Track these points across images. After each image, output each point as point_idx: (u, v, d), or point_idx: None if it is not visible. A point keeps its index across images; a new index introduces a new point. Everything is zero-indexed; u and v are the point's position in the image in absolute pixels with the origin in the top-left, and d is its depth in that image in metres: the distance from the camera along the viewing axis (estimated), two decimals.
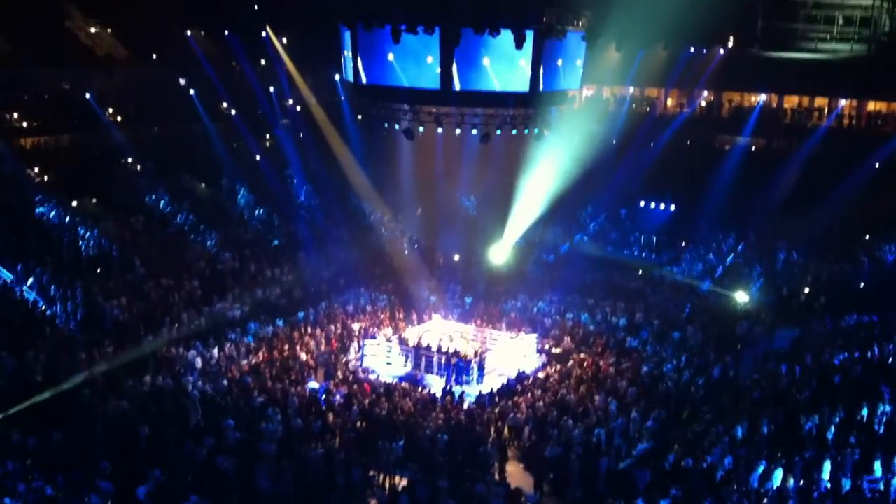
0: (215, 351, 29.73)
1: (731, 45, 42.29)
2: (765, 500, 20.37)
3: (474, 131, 33.31)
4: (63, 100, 42.16)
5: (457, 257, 41.97)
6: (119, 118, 42.98)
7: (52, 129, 41.64)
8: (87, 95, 40.90)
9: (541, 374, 30.42)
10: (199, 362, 28.70)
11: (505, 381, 29.45)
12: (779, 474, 21.33)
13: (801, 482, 20.96)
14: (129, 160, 42.04)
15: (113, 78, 43.82)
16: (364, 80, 31.82)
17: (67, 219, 36.24)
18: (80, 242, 35.32)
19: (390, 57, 30.36)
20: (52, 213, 36.30)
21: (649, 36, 35.63)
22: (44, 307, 30.43)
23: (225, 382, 27.45)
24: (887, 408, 23.52)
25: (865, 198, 37.25)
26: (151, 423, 23.49)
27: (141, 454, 22.22)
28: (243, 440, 23.25)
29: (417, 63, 30.03)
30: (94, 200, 38.25)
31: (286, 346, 31.28)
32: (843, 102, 42.59)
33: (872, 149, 39.08)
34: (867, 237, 39.03)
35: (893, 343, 28.90)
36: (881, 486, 20.04)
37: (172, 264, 35.83)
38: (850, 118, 43.35)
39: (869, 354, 28.53)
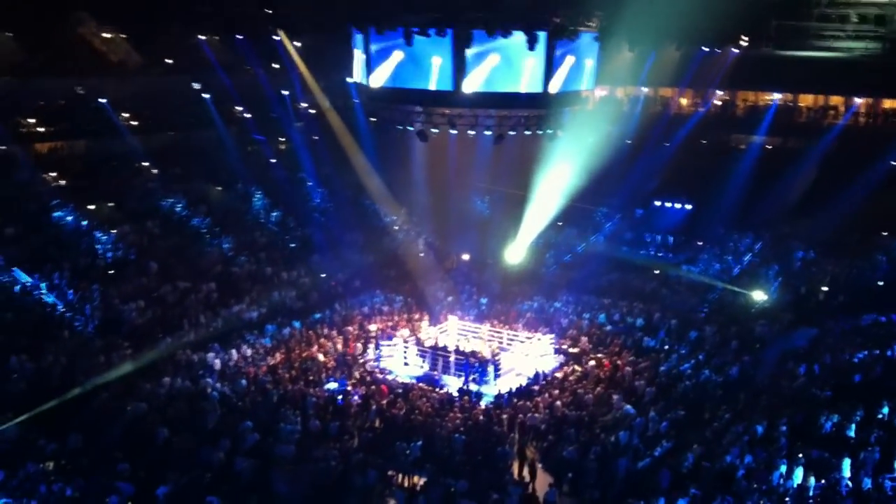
0: (233, 353, 29.86)
1: (744, 44, 41.98)
2: (786, 500, 20.26)
3: (487, 132, 33.25)
4: (78, 106, 42.27)
5: (466, 256, 41.92)
6: (134, 123, 43.10)
7: (68, 135, 41.77)
8: (102, 101, 41.07)
9: (558, 374, 30.31)
10: (217, 364, 28.81)
11: (523, 382, 29.42)
12: (799, 473, 21.23)
13: (822, 481, 20.87)
14: (145, 165, 42.23)
15: (127, 84, 43.94)
16: (376, 83, 31.84)
17: (84, 224, 36.40)
18: (97, 247, 35.48)
19: (402, 59, 30.40)
20: (69, 219, 36.46)
21: (662, 36, 35.35)
22: (62, 311, 30.58)
23: (244, 383, 27.53)
24: None
25: (882, 196, 36.99)
26: (170, 426, 23.61)
27: (159, 456, 22.30)
28: (261, 442, 23.31)
29: (429, 65, 30.04)
30: (110, 205, 38.44)
31: (303, 348, 31.38)
32: (858, 101, 42.30)
33: (888, 147, 38.78)
34: (884, 235, 38.77)
35: None
36: None
37: (189, 268, 36.04)
38: (866, 116, 43.02)
39: (889, 353, 28.37)
